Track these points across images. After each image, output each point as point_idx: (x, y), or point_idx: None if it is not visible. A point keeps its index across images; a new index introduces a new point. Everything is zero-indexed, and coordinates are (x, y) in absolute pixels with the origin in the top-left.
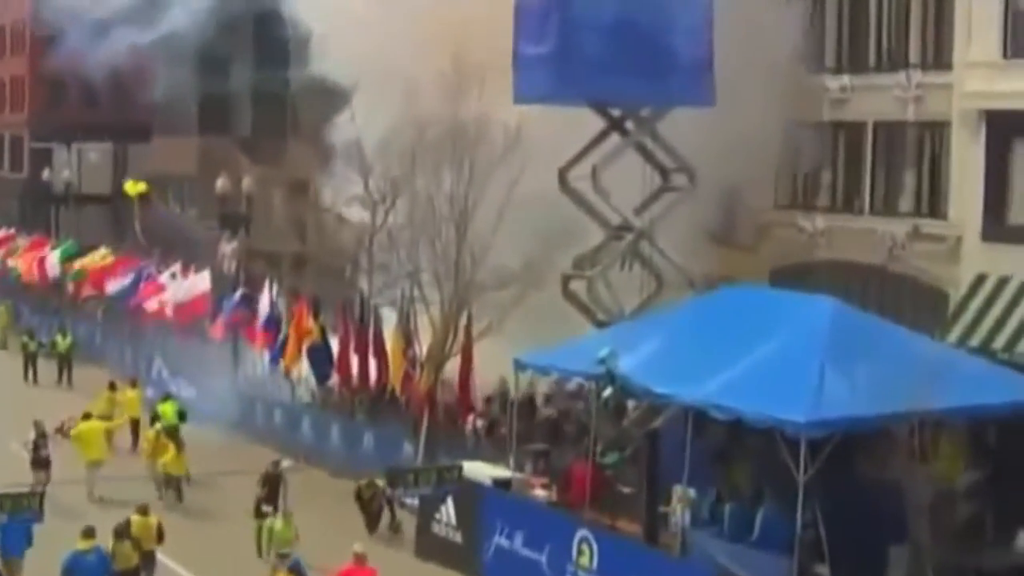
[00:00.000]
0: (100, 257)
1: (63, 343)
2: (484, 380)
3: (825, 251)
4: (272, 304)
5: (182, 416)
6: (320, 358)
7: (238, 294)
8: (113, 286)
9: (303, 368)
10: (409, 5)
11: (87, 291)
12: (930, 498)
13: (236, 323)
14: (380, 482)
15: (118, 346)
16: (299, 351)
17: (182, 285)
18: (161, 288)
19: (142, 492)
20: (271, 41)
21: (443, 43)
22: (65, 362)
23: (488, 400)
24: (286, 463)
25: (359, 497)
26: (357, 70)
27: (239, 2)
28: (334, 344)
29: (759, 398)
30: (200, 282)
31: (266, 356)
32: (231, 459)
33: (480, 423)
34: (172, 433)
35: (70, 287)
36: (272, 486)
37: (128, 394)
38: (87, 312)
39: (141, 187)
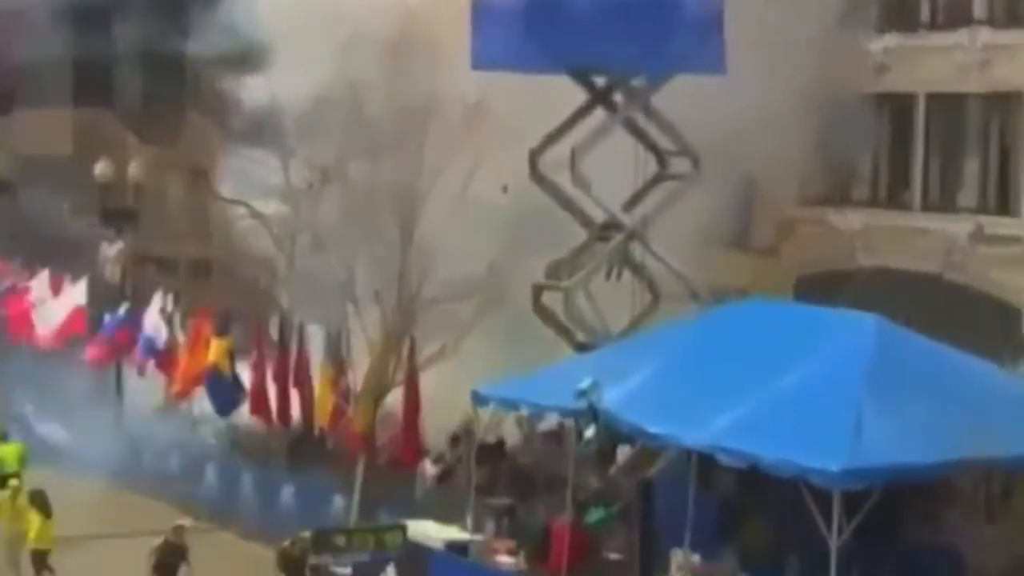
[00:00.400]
0: None
1: None
2: (437, 417)
3: (864, 256)
4: (162, 321)
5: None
6: (222, 387)
7: (123, 309)
8: None
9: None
10: None
11: None
12: (1000, 568)
13: (121, 346)
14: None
15: None
16: (196, 379)
17: (53, 300)
18: (27, 303)
19: None
20: None
21: None
22: None
23: (455, 440)
24: (185, 522)
25: (284, 564)
26: (276, 28)
27: None
28: (245, 372)
29: (781, 440)
30: (74, 294)
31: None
32: (114, 518)
33: (432, 470)
34: (39, 499)
35: None
36: (172, 560)
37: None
38: None
39: None
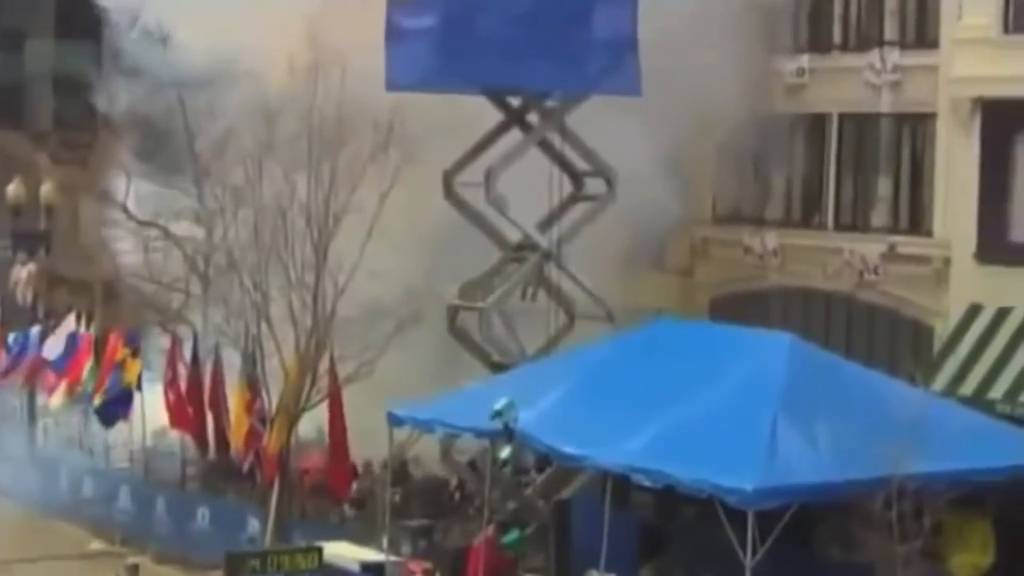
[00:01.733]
0: None
1: None
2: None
3: (778, 276)
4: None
5: None
6: (122, 403)
7: (35, 332)
8: None
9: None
10: None
11: None
12: None
13: (35, 370)
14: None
15: None
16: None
17: None
18: None
19: None
20: (78, 11)
21: (296, 15)
22: None
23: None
24: (95, 545)
25: None
26: (190, 50)
27: None
28: (156, 390)
29: (696, 461)
30: None
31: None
32: (29, 542)
33: (355, 491)
34: None
35: None
36: None
37: None
38: None
39: None
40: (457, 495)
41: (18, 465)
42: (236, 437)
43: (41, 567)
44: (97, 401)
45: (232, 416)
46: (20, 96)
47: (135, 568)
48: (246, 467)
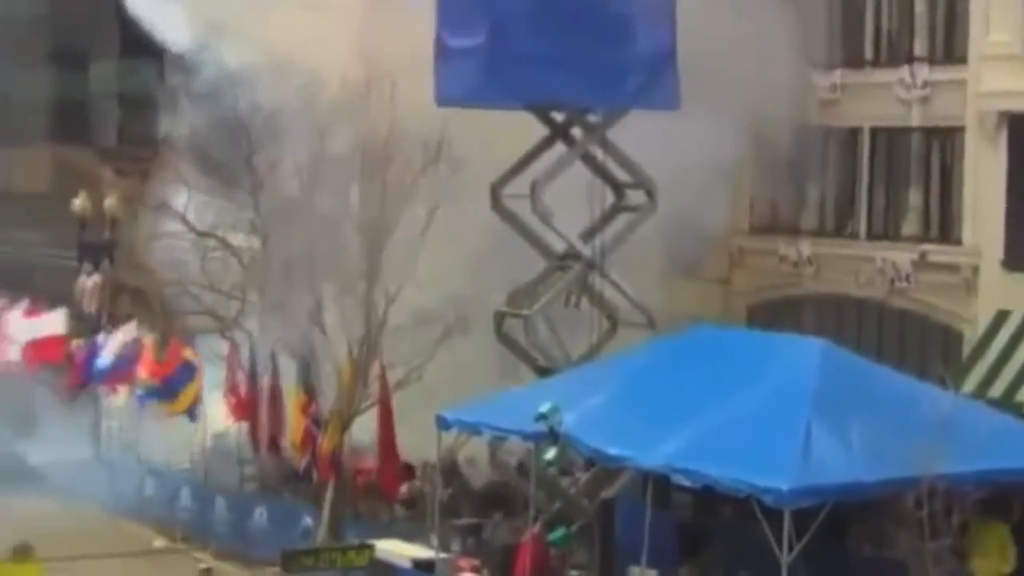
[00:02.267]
0: None
1: None
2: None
3: (812, 283)
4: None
5: None
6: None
7: (100, 339)
8: None
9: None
10: None
11: None
12: None
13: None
14: None
15: None
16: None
17: (32, 323)
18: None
19: None
20: (141, 34)
21: (349, 33)
22: None
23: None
24: (158, 543)
25: None
26: (246, 69)
27: None
28: (215, 395)
29: (733, 461)
30: (54, 323)
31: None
32: (95, 540)
33: (406, 491)
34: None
35: None
36: None
37: None
38: None
39: None
40: (505, 495)
41: (85, 467)
42: (292, 439)
43: (108, 563)
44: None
45: (288, 419)
46: (86, 114)
47: (208, 572)
48: (303, 468)
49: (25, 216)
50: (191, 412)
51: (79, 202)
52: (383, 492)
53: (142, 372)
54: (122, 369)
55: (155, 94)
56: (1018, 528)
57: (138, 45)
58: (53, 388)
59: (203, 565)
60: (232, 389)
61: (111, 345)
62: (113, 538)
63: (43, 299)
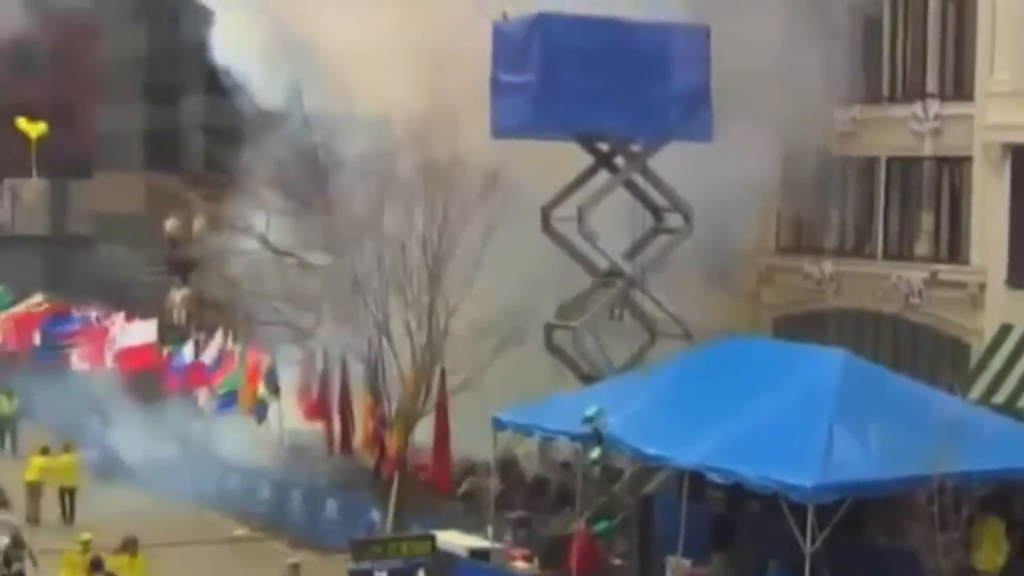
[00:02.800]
0: (35, 304)
1: (7, 405)
2: (457, 440)
3: (834, 299)
4: (220, 353)
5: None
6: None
7: (188, 346)
8: (42, 335)
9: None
10: (376, 30)
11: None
12: (951, 571)
13: (191, 378)
14: None
15: (51, 403)
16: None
17: (127, 330)
18: (104, 335)
19: None
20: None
21: (414, 70)
22: (9, 426)
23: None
24: (238, 532)
25: None
26: (321, 101)
27: (190, 29)
28: (291, 398)
29: (761, 460)
30: (146, 331)
31: (213, 408)
32: (181, 529)
33: (464, 487)
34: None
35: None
36: None
37: (62, 459)
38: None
39: (40, 127)
40: (553, 491)
41: (172, 463)
42: (361, 438)
43: (194, 549)
44: (246, 405)
45: (357, 420)
46: (176, 144)
47: (296, 567)
48: (374, 465)
49: (122, 235)
50: (257, 413)
51: (170, 223)
52: (436, 487)
53: (219, 377)
54: (208, 373)
55: (238, 126)
56: (1018, 524)
57: (224, 81)
58: (145, 390)
59: (291, 560)
60: (305, 392)
61: (207, 352)
62: (198, 528)
63: (137, 310)
